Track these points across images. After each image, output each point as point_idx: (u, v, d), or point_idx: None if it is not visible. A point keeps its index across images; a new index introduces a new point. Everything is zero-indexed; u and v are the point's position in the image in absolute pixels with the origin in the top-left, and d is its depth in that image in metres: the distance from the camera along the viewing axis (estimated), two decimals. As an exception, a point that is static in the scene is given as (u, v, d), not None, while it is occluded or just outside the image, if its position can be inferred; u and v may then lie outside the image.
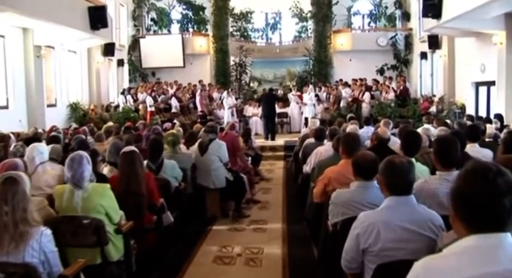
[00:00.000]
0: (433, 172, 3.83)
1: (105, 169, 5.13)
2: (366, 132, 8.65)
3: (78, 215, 3.61)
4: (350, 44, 20.59)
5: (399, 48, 20.31)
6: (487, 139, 7.33)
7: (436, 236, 2.60)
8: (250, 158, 9.08)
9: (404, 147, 4.31)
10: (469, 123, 8.39)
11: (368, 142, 6.72)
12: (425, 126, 8.97)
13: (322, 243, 4.22)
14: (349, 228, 2.80)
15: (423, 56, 18.53)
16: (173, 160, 5.67)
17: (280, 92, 19.47)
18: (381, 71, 20.14)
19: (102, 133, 7.91)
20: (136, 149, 4.56)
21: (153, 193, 4.50)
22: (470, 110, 14.24)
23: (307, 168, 6.22)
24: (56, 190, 3.83)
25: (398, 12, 21.08)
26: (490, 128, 8.47)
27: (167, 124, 11.39)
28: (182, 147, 6.93)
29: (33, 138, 7.51)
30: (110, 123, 11.12)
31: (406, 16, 20.73)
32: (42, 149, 4.87)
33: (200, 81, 18.89)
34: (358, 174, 3.54)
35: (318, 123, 9.04)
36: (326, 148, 6.03)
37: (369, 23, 22.04)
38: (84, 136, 7.04)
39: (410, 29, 20.32)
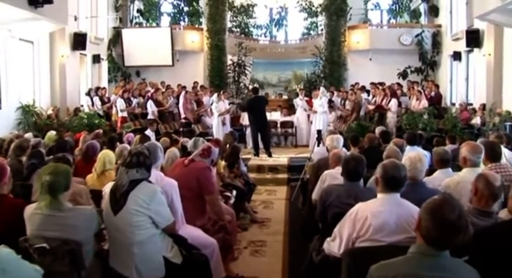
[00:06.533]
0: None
1: None
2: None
3: None
4: (367, 42, 17.52)
5: (425, 48, 17.23)
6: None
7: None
8: (235, 192, 5.97)
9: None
10: None
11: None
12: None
13: None
14: None
15: (456, 56, 15.48)
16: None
17: (284, 96, 16.48)
18: (403, 75, 17.08)
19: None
20: None
21: None
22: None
23: (334, 248, 3.05)
24: None
25: (424, 6, 18.02)
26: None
27: (129, 136, 8.29)
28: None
29: None
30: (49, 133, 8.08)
31: (433, 11, 17.68)
32: None
33: (195, 83, 15.94)
34: None
35: (341, 141, 5.90)
36: (379, 213, 2.90)
37: (389, 19, 18.99)
38: None
39: (439, 26, 17.28)
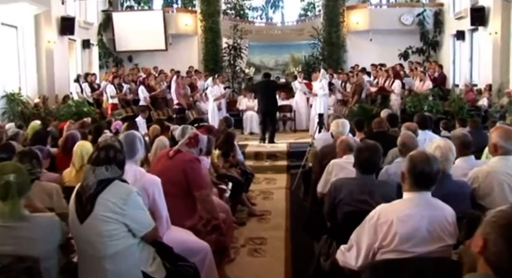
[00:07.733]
0: None
1: None
2: (424, 141, 5.06)
3: None
4: (367, 22, 16.87)
5: (427, 28, 16.64)
6: None
7: None
8: (231, 184, 5.44)
9: None
10: None
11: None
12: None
13: None
14: None
15: (459, 35, 14.88)
16: None
17: (282, 80, 15.83)
18: (404, 56, 16.54)
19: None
20: None
21: None
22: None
23: (350, 259, 2.54)
24: None
25: (425, -15, 17.39)
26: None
27: (117, 123, 7.74)
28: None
29: None
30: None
31: (435, -11, 17.07)
32: None
33: (190, 68, 15.35)
34: None
35: (347, 126, 5.35)
36: (408, 218, 2.38)
37: (388, -2, 18.40)
38: None
39: (441, 5, 16.66)
